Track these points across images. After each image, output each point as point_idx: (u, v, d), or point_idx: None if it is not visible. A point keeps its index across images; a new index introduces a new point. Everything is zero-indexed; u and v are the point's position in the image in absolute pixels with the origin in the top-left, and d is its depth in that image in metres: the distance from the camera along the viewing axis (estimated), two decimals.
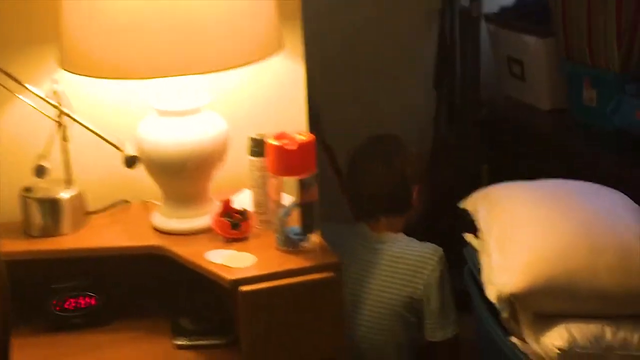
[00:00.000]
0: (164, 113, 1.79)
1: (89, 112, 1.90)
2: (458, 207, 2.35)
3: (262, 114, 2.05)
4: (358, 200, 2.48)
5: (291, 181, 1.70)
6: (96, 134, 1.85)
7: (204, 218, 1.84)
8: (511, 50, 3.11)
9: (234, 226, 1.78)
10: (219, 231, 1.79)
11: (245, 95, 2.04)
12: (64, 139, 1.84)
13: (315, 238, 1.75)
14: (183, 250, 1.76)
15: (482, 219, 2.21)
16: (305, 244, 1.74)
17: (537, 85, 3.02)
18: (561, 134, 2.92)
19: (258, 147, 1.78)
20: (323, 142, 3.21)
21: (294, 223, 1.73)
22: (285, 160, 1.67)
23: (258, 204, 1.83)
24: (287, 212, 1.71)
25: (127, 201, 2.00)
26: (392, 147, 2.49)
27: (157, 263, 1.80)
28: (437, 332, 2.34)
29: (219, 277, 1.66)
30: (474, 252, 2.27)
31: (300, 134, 1.71)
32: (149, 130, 1.79)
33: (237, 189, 1.96)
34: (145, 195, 1.97)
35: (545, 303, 1.86)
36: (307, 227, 1.71)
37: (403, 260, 2.33)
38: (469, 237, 2.33)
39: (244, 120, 2.01)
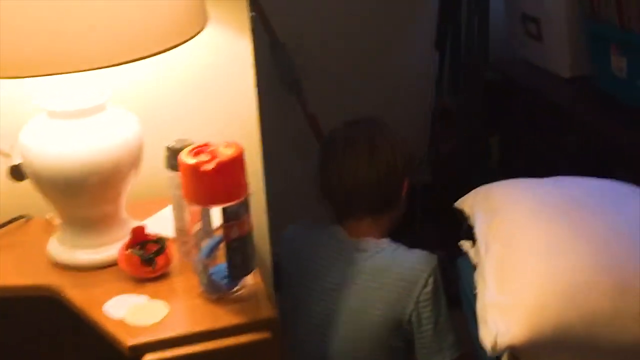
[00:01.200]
0: (54, 114, 1.37)
1: None
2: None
3: (198, 111, 1.63)
4: (335, 197, 2.05)
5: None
6: None
7: (113, 247, 1.43)
8: (526, 6, 2.65)
9: (145, 262, 1.37)
10: (126, 269, 1.38)
11: (174, 85, 1.61)
12: None
13: (251, 280, 1.34)
14: (79, 294, 1.35)
15: (480, 228, 1.79)
16: (238, 290, 1.33)
17: (556, 48, 2.56)
18: (583, 107, 2.47)
19: (176, 159, 1.35)
20: (305, 110, 2.80)
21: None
22: (201, 183, 1.25)
23: (180, 230, 1.41)
24: (209, 251, 1.29)
25: (28, 217, 1.59)
26: (375, 131, 2.04)
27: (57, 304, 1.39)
28: (432, 358, 1.92)
29: (115, 340, 1.25)
30: (470, 266, 1.86)
31: (228, 146, 1.28)
32: (35, 135, 1.37)
33: (162, 204, 1.54)
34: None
35: (553, 358, 1.44)
36: (235, 271, 1.30)
37: (388, 274, 1.90)
38: (465, 245, 1.92)
39: (174, 119, 1.59)
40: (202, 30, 1.37)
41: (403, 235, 2.52)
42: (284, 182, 2.89)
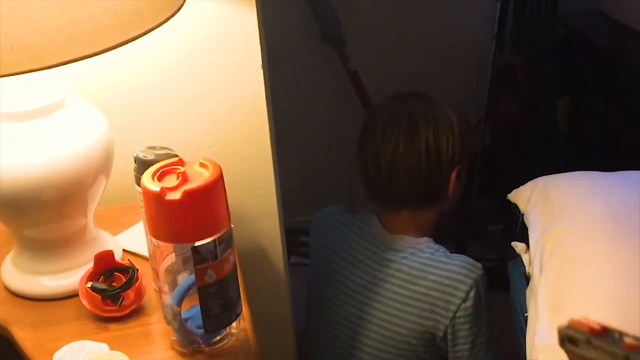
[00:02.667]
0: None
1: None
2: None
3: (188, 99, 1.36)
4: (370, 181, 1.75)
5: None
6: None
7: (79, 272, 1.17)
8: None
9: (109, 299, 1.11)
10: (87, 306, 1.13)
11: (155, 69, 1.33)
12: None
13: (236, 328, 1.07)
14: (28, 335, 1.11)
15: (534, 234, 1.50)
16: (219, 340, 1.06)
17: None
18: None
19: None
20: (346, 67, 2.50)
21: None
22: (165, 216, 0.98)
23: (153, 256, 1.15)
24: (180, 296, 1.03)
25: None
26: (422, 109, 1.71)
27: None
28: None
29: None
30: (522, 274, 1.57)
31: (203, 166, 1.00)
32: None
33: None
34: None
35: None
36: (212, 322, 1.03)
37: (423, 282, 1.62)
38: (519, 247, 1.62)
39: (155, 108, 1.32)
40: (183, 3, 1.08)
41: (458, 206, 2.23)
42: (321, 151, 2.63)
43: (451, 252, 1.68)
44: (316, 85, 2.62)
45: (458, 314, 1.59)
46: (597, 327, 0.82)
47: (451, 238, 2.65)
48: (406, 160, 1.65)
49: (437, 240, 1.75)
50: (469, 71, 2.65)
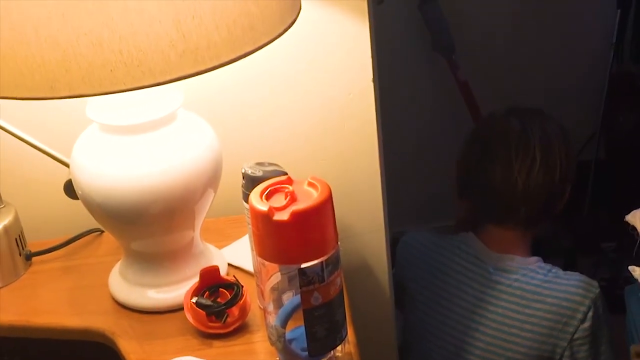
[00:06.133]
0: (107, 128, 1.11)
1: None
2: None
3: (295, 113, 1.34)
4: (487, 199, 1.67)
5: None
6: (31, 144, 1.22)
7: (184, 286, 1.16)
8: None
9: (214, 315, 1.10)
10: (191, 321, 1.12)
11: (264, 82, 1.32)
12: None
13: (341, 352, 1.04)
14: (133, 348, 1.11)
15: None
16: None
17: None
18: None
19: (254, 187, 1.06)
20: (456, 76, 2.45)
21: None
22: (272, 236, 0.96)
23: (258, 273, 1.13)
24: (285, 317, 1.01)
25: (100, 231, 1.36)
26: (549, 128, 1.65)
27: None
28: None
29: None
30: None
31: (312, 185, 0.98)
32: (86, 154, 1.11)
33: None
34: None
35: None
36: (317, 346, 1.00)
37: (538, 304, 1.56)
38: (636, 272, 1.54)
39: (263, 121, 1.31)
40: (296, 18, 1.06)
41: (569, 221, 2.18)
42: (427, 159, 2.59)
43: (563, 271, 1.63)
44: (425, 96, 2.58)
45: (576, 335, 1.54)
46: None
47: (560, 254, 2.56)
48: (543, 176, 1.61)
49: (546, 256, 1.70)
50: (584, 81, 2.56)
